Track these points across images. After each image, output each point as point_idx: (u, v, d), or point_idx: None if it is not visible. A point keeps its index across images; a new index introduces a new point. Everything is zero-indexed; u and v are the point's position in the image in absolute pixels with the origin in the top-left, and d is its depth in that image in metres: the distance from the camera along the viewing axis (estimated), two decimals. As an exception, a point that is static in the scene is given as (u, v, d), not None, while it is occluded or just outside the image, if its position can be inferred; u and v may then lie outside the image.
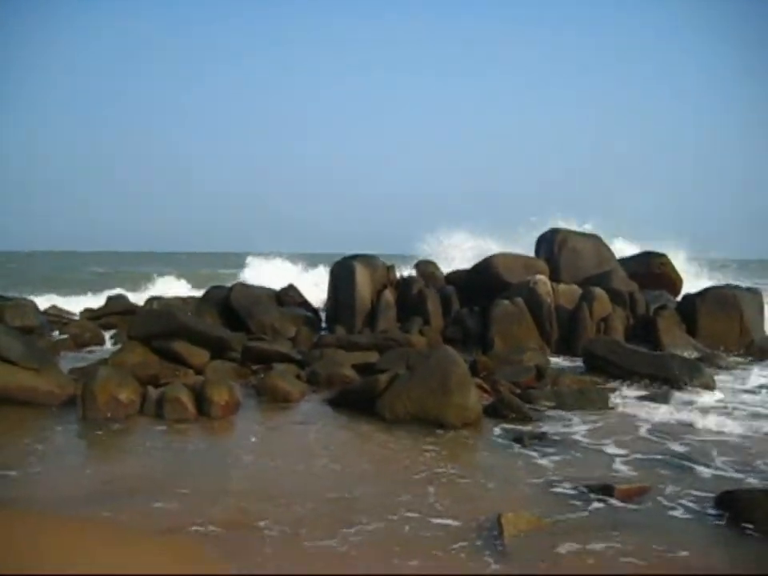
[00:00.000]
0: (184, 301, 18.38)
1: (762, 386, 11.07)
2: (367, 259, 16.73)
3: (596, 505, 5.86)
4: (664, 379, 10.76)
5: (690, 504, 5.93)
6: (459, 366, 8.75)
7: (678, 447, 7.61)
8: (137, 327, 11.69)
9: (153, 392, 8.88)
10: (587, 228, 19.57)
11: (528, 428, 8.34)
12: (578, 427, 8.49)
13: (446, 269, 18.66)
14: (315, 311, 17.28)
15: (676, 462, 7.10)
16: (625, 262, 18.67)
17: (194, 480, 6.35)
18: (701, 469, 6.88)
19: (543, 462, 7.10)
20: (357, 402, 9.16)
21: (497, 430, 8.30)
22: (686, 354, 12.61)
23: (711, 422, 8.57)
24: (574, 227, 19.05)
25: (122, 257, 69.13)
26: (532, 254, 18.24)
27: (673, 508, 5.85)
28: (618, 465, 7.02)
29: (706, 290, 15.47)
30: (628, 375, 11.08)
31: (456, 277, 17.83)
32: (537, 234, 18.83)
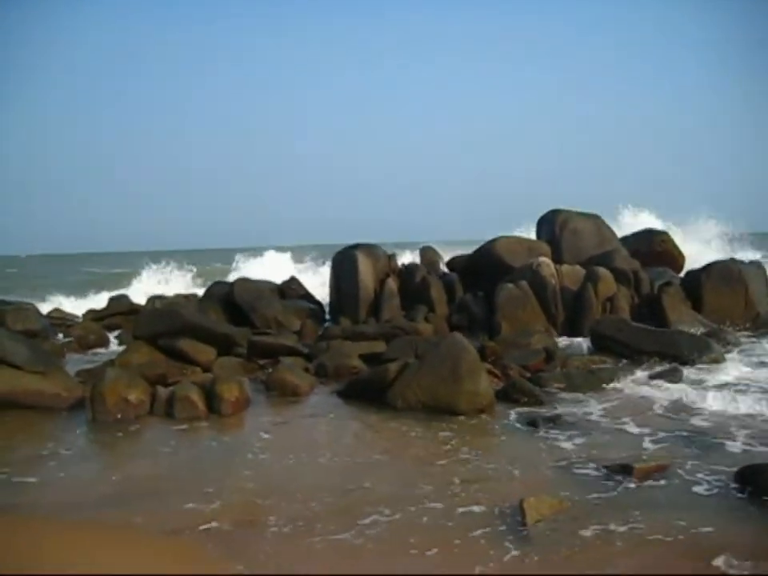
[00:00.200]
0: (186, 298, 18.37)
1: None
2: (368, 248, 16.64)
3: (617, 485, 5.81)
4: (673, 356, 10.70)
5: (711, 480, 5.89)
6: (469, 352, 8.70)
7: (693, 424, 7.57)
8: (141, 327, 11.64)
9: (162, 391, 8.82)
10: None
11: (542, 411, 8.29)
12: (592, 408, 8.44)
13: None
14: (319, 303, 17.20)
15: (693, 438, 7.06)
16: (626, 240, 18.62)
17: (208, 479, 6.28)
18: (719, 444, 6.84)
19: (560, 444, 7.05)
20: (367, 392, 9.11)
21: (510, 415, 8.25)
22: (692, 331, 12.55)
23: (725, 397, 8.51)
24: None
25: (122, 257, 68.96)
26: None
27: (694, 484, 5.81)
28: (635, 444, 6.97)
29: (710, 265, 15.36)
30: (636, 354, 11.02)
31: (457, 262, 17.77)
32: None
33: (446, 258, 19.37)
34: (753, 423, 7.50)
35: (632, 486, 5.79)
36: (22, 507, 5.71)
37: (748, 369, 10.25)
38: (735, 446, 6.76)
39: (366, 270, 15.89)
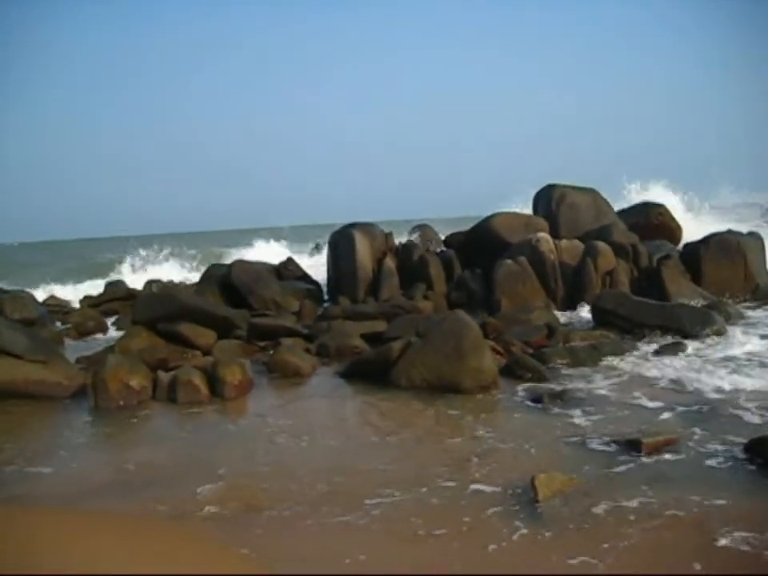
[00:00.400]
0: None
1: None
2: (365, 227, 16.58)
3: (626, 460, 5.78)
4: (675, 330, 10.66)
5: (721, 453, 5.87)
6: (472, 329, 8.65)
7: (699, 397, 7.54)
8: (140, 311, 11.56)
9: (164, 376, 8.76)
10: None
11: (547, 387, 8.25)
12: (598, 383, 8.41)
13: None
14: (316, 283, 17.13)
15: (700, 411, 7.04)
16: (623, 213, 18.55)
17: (214, 463, 6.24)
18: (726, 417, 6.81)
19: (568, 420, 7.02)
20: (370, 372, 9.06)
21: (516, 391, 8.22)
22: (693, 303, 12.49)
23: (730, 370, 8.51)
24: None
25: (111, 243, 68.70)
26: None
27: (704, 458, 5.78)
28: (643, 419, 6.93)
29: (709, 237, 15.30)
30: (638, 328, 10.98)
31: (454, 239, 17.69)
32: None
33: (443, 235, 19.33)
34: (759, 396, 7.45)
35: (642, 460, 5.76)
36: (33, 498, 5.66)
37: (751, 341, 10.19)
38: (743, 419, 6.73)
39: (363, 249, 15.83)
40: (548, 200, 17.74)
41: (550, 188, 18.12)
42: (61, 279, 23.45)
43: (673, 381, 8.22)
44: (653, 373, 8.67)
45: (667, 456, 5.83)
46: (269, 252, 24.44)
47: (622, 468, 5.63)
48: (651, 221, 18.22)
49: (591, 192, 18.16)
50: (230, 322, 11.73)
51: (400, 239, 18.15)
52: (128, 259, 25.21)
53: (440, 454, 6.24)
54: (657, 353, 9.71)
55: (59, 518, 5.21)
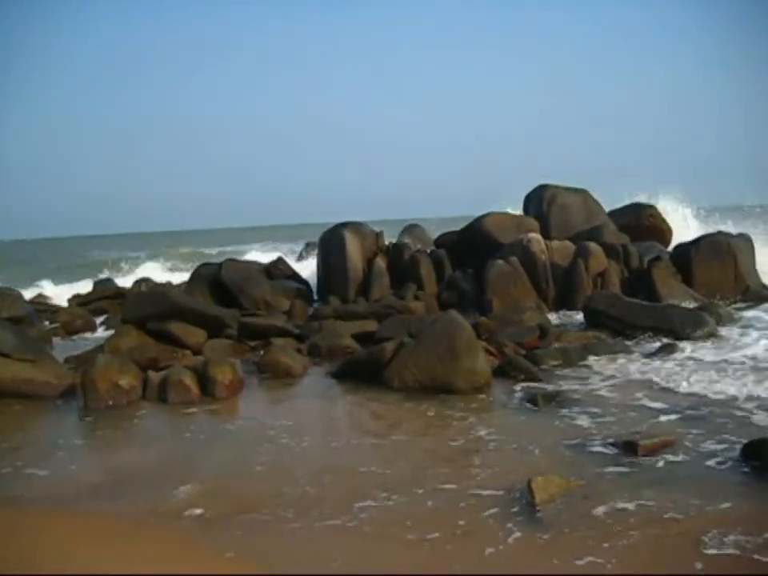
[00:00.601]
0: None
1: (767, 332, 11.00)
2: (356, 226, 16.52)
3: (623, 462, 5.75)
4: (667, 331, 10.66)
5: (717, 455, 5.84)
6: (465, 330, 8.60)
7: (693, 399, 7.51)
8: (130, 310, 11.46)
9: (154, 376, 8.68)
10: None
11: (541, 388, 8.22)
12: (592, 384, 8.38)
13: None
14: (306, 283, 17.04)
15: (695, 413, 7.01)
16: (613, 214, 18.55)
17: (204, 464, 6.21)
18: (722, 419, 6.78)
19: (564, 422, 6.98)
20: (362, 372, 9.00)
21: (509, 392, 8.18)
22: (683, 304, 12.49)
23: (724, 371, 8.50)
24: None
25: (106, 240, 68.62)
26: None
27: (700, 460, 5.75)
28: (639, 420, 6.89)
29: (700, 239, 15.32)
30: (630, 329, 10.96)
31: (445, 239, 17.64)
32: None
33: (434, 235, 19.30)
34: (753, 398, 7.42)
35: (639, 462, 5.72)
36: (24, 500, 5.58)
37: (742, 343, 10.19)
38: (739, 421, 6.70)
39: (354, 248, 15.78)
40: (539, 200, 17.73)
41: (541, 188, 18.12)
42: (53, 277, 23.31)
43: (666, 382, 8.18)
44: (646, 374, 8.63)
45: (664, 458, 5.79)
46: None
47: (619, 470, 5.59)
48: (642, 222, 18.23)
49: (582, 192, 18.16)
50: (220, 321, 11.65)
51: (391, 239, 18.12)
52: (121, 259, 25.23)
53: (434, 455, 6.20)
54: (650, 354, 9.69)
55: (45, 519, 5.14)
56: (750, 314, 12.79)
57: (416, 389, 8.30)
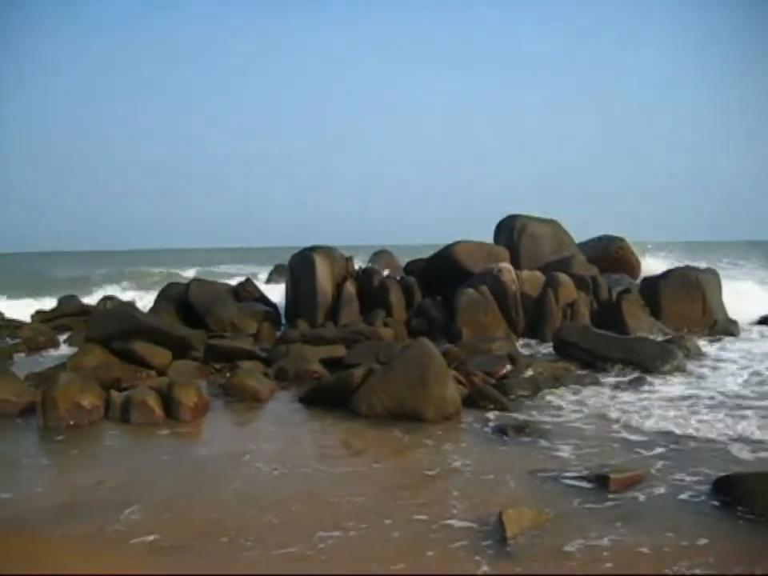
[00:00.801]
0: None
1: (735, 367, 11.05)
2: (326, 250, 16.42)
3: (594, 495, 5.67)
4: (636, 364, 10.63)
5: (688, 489, 5.79)
6: (436, 357, 8.51)
7: (663, 433, 7.44)
8: (94, 328, 11.27)
9: (117, 396, 8.49)
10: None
11: (511, 418, 8.13)
12: (562, 416, 8.30)
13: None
14: (274, 306, 16.89)
15: (665, 447, 6.95)
16: (583, 246, 18.68)
17: (163, 489, 6.01)
18: (691, 453, 6.74)
19: (532, 453, 6.89)
20: (329, 398, 8.87)
21: (479, 422, 8.07)
22: (652, 337, 12.55)
23: (692, 406, 8.50)
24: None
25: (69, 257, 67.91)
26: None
27: (672, 495, 5.69)
28: (609, 453, 6.83)
29: (669, 272, 15.47)
30: (600, 361, 10.91)
31: (415, 266, 17.61)
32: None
33: (402, 262, 19.27)
34: (720, 433, 7.38)
35: (610, 496, 5.64)
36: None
37: (710, 378, 10.21)
38: (708, 455, 6.65)
39: (324, 272, 15.67)
40: (509, 230, 17.80)
41: (512, 218, 18.21)
42: (8, 292, 22.92)
43: (636, 416, 8.12)
44: (616, 407, 8.58)
45: (635, 493, 5.72)
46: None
47: (591, 504, 5.51)
48: (611, 254, 18.39)
49: (552, 223, 18.28)
50: (186, 342, 11.48)
51: (361, 264, 18.04)
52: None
53: (404, 484, 6.08)
54: (619, 387, 9.65)
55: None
56: (718, 347, 12.86)
57: (384, 416, 8.17)
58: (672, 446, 6.97)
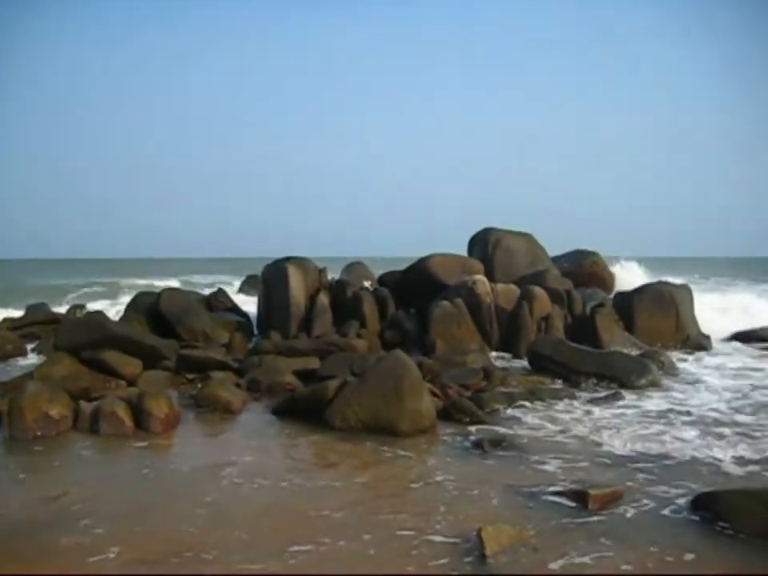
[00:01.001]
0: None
1: (710, 381, 11.12)
2: (300, 261, 16.27)
3: (573, 512, 5.58)
4: (611, 378, 10.62)
5: (667, 505, 5.73)
6: (411, 370, 8.40)
7: (640, 448, 7.38)
8: (63, 337, 11.07)
9: (86, 406, 8.31)
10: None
11: (486, 432, 8.04)
12: (538, 430, 8.22)
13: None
14: (247, 316, 16.72)
15: (643, 462, 6.89)
16: (557, 260, 18.70)
17: (132, 503, 5.83)
18: (671, 468, 6.69)
19: (509, 467, 6.79)
20: (303, 410, 8.74)
21: (454, 436, 7.96)
22: (625, 351, 12.55)
23: (668, 421, 8.48)
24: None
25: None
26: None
27: (651, 511, 5.63)
28: (585, 468, 6.74)
29: (643, 287, 15.54)
30: (575, 375, 10.89)
31: (389, 278, 17.51)
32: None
33: (376, 274, 19.19)
34: (698, 448, 7.36)
35: (589, 512, 5.56)
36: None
37: (685, 393, 10.21)
38: (686, 471, 6.61)
39: (297, 283, 15.52)
40: (484, 243, 17.76)
41: (486, 231, 18.18)
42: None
43: (612, 431, 8.08)
44: (591, 422, 8.53)
45: (614, 509, 5.65)
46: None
47: (569, 520, 5.42)
48: (584, 269, 18.44)
49: (526, 236, 18.28)
50: (157, 351, 11.31)
51: (333, 275, 17.93)
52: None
53: (381, 499, 5.95)
54: (595, 401, 9.60)
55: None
56: (691, 362, 12.92)
57: (358, 429, 8.06)
58: (650, 462, 6.91)
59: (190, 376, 11.05)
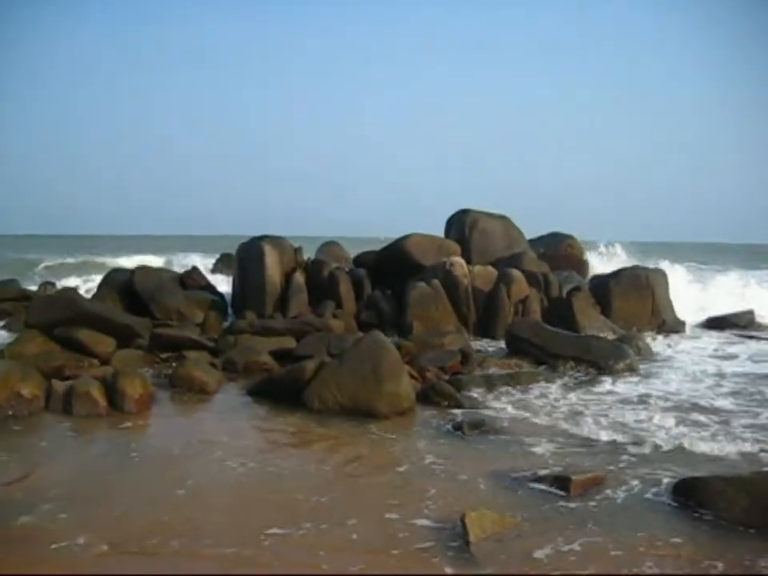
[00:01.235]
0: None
1: (686, 365, 11.20)
2: (275, 240, 16.06)
3: (555, 496, 5.54)
4: (589, 362, 10.59)
5: (648, 491, 5.71)
6: (390, 352, 8.33)
7: (620, 432, 7.36)
8: (35, 314, 10.88)
9: (59, 386, 8.14)
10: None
11: (465, 415, 7.96)
12: (517, 413, 8.17)
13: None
14: (221, 295, 16.52)
15: (623, 446, 6.88)
16: (533, 242, 18.67)
17: (105, 486, 5.71)
18: (650, 454, 6.67)
19: (489, 451, 6.74)
20: (280, 391, 8.63)
21: (433, 418, 7.90)
22: (602, 335, 12.56)
23: (647, 406, 8.48)
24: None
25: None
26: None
27: (633, 497, 5.60)
28: (567, 453, 6.70)
29: (620, 272, 15.57)
30: (552, 358, 10.84)
31: (365, 259, 17.39)
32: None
33: (352, 254, 19.05)
34: (677, 433, 7.33)
35: (571, 497, 5.52)
36: None
37: (663, 377, 10.24)
38: (666, 456, 6.59)
39: (272, 262, 15.33)
40: (461, 225, 17.64)
41: (463, 213, 18.05)
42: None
43: (591, 414, 8.06)
44: (571, 406, 8.50)
45: (596, 494, 5.61)
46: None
47: (552, 505, 5.38)
48: (560, 251, 18.43)
49: (503, 219, 18.17)
50: (131, 330, 11.15)
51: (309, 255, 17.78)
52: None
53: (359, 483, 5.88)
54: (573, 385, 9.59)
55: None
56: (667, 346, 12.99)
57: (336, 410, 7.97)
58: (630, 447, 6.87)
59: (163, 355, 10.90)
